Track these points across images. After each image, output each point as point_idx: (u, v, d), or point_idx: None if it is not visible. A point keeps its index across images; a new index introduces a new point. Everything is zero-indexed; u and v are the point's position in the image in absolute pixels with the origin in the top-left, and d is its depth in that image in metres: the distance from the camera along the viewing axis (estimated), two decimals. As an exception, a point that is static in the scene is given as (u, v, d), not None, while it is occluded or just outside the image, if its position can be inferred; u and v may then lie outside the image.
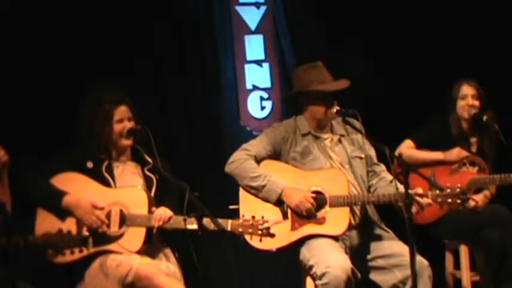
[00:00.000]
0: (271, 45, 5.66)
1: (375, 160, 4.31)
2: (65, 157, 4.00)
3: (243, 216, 3.95)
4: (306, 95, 4.23)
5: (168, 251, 4.04)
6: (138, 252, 3.86)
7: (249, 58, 5.62)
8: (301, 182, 4.12)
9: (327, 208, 4.07)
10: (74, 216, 3.89)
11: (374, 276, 4.10)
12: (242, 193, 4.16)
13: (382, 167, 4.29)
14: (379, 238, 4.17)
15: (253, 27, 5.65)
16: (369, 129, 4.16)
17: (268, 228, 3.85)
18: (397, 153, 4.71)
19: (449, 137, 4.96)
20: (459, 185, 4.03)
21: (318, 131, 4.27)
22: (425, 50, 5.71)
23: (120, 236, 3.89)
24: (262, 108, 5.63)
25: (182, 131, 5.36)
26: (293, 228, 4.09)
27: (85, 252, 3.87)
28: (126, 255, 3.83)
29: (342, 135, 4.30)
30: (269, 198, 4.09)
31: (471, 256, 4.91)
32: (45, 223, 3.89)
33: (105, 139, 4.03)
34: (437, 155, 4.91)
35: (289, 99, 4.51)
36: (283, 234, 4.03)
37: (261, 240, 3.91)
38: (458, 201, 3.99)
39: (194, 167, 5.22)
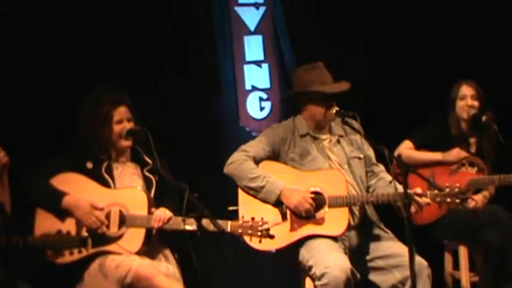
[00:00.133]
0: (271, 46, 5.66)
1: (374, 160, 4.31)
2: (65, 157, 4.01)
3: (243, 217, 3.95)
4: (305, 95, 4.23)
5: (167, 251, 4.04)
6: (138, 253, 3.86)
7: (248, 59, 5.62)
8: (300, 182, 4.12)
9: (326, 209, 4.07)
10: (74, 216, 3.89)
11: (373, 276, 4.11)
12: (241, 194, 4.17)
13: (381, 167, 4.29)
14: (378, 238, 4.18)
15: (252, 27, 5.65)
16: (368, 130, 4.16)
17: (267, 230, 3.86)
18: (396, 153, 4.73)
19: (448, 138, 4.96)
20: (458, 184, 4.04)
21: (317, 132, 4.27)
22: (425, 50, 5.71)
23: (120, 236, 3.89)
24: (262, 108, 5.63)
25: (181, 131, 5.36)
26: (292, 229, 4.09)
27: (84, 253, 3.87)
28: (126, 256, 3.83)
29: (341, 136, 4.30)
30: (268, 199, 4.09)
31: (470, 257, 4.91)
32: (45, 223, 3.90)
33: (105, 140, 4.03)
34: (436, 156, 4.91)
35: (289, 99, 4.51)
36: (282, 235, 4.03)
37: (260, 241, 3.91)
38: (457, 200, 3.99)
39: (193, 168, 5.22)
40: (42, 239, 3.80)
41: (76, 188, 3.92)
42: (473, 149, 4.99)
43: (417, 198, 3.96)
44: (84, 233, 3.88)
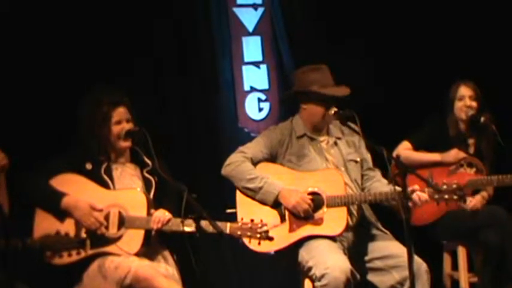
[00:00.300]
0: (269, 47, 5.66)
1: (370, 165, 4.31)
2: (65, 158, 4.00)
3: (242, 219, 3.95)
4: (305, 95, 4.23)
5: (166, 253, 4.04)
6: (137, 254, 3.86)
7: (246, 59, 5.62)
8: (297, 183, 4.12)
9: (324, 209, 4.07)
10: (73, 217, 3.88)
11: (372, 277, 4.11)
12: (239, 196, 4.17)
13: (377, 172, 4.30)
14: (376, 239, 4.18)
15: (250, 28, 5.65)
16: (366, 131, 4.15)
17: (266, 232, 3.86)
18: (394, 154, 4.71)
19: (446, 138, 4.96)
20: (455, 181, 4.04)
21: (314, 133, 4.27)
22: (423, 51, 5.71)
23: (119, 238, 3.88)
24: (260, 109, 5.63)
25: (180, 132, 5.36)
26: (291, 230, 4.09)
27: (83, 254, 3.86)
28: (125, 257, 3.82)
29: (338, 138, 4.30)
30: (266, 200, 4.09)
31: (469, 257, 4.91)
32: (44, 224, 3.89)
33: (104, 141, 4.02)
34: (434, 157, 4.91)
35: (288, 98, 4.50)
36: (281, 237, 4.03)
37: (259, 243, 3.91)
38: (455, 197, 4.00)
39: (192, 169, 5.22)
40: (40, 241, 3.81)
41: (75, 188, 3.92)
42: (471, 150, 5.00)
43: (414, 196, 3.95)
44: (83, 234, 3.88)
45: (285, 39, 5.66)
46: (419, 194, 4.00)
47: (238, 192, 4.17)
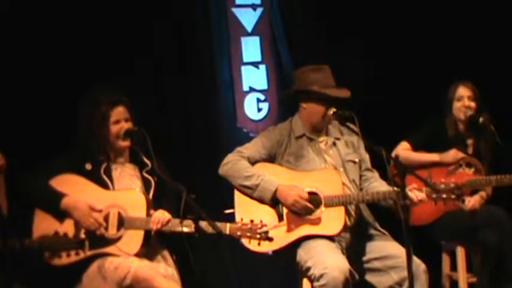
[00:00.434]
0: (268, 47, 5.67)
1: (369, 165, 4.32)
2: (64, 158, 4.00)
3: (242, 219, 3.95)
4: (305, 94, 4.23)
5: (165, 253, 4.04)
6: (137, 255, 3.86)
7: (245, 60, 5.63)
8: (295, 183, 4.12)
9: (322, 208, 4.07)
10: (72, 218, 3.88)
11: (370, 277, 4.11)
12: (237, 196, 4.16)
13: (376, 173, 4.30)
14: (375, 239, 4.18)
15: (249, 29, 5.66)
16: (365, 131, 4.16)
17: (266, 232, 3.86)
18: (393, 155, 4.71)
19: (445, 139, 4.97)
20: (453, 180, 4.05)
21: (314, 134, 4.27)
22: (422, 51, 5.72)
23: (118, 238, 3.88)
24: (259, 110, 5.64)
25: (179, 132, 5.36)
26: (289, 230, 4.09)
27: (81, 255, 3.86)
28: (124, 257, 3.82)
29: (337, 139, 4.30)
30: (263, 197, 4.09)
31: (468, 257, 4.91)
32: (43, 225, 3.89)
33: (103, 140, 4.02)
34: (433, 157, 4.92)
35: (288, 97, 4.50)
36: (279, 236, 4.03)
37: (259, 243, 3.92)
38: (453, 196, 4.00)
39: (191, 169, 5.22)
40: (39, 241, 3.81)
41: (75, 189, 3.91)
42: (470, 150, 5.00)
43: (410, 193, 3.95)
44: (82, 235, 3.88)
45: (283, 40, 5.67)
46: (416, 192, 4.00)
47: (236, 193, 4.17)
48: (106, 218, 3.90)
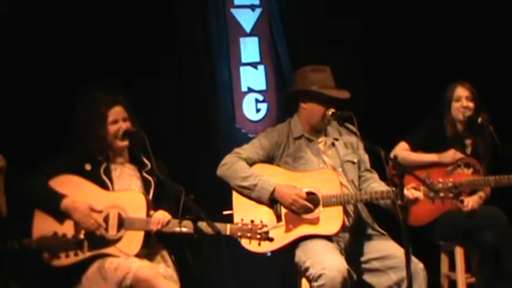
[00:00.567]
0: (267, 48, 5.67)
1: (368, 166, 4.32)
2: (64, 159, 4.00)
3: (242, 220, 3.96)
4: (305, 94, 4.23)
5: (164, 253, 4.04)
6: (137, 256, 3.86)
7: (244, 60, 5.63)
8: (293, 183, 4.12)
9: (321, 208, 4.07)
10: (72, 219, 3.88)
11: (368, 278, 4.11)
12: (235, 197, 4.17)
13: (375, 174, 4.30)
14: (373, 240, 4.18)
15: (248, 29, 5.66)
16: (364, 131, 4.16)
17: (267, 233, 3.87)
18: (392, 155, 4.72)
19: (444, 139, 4.96)
20: (451, 179, 4.05)
21: (312, 134, 4.28)
22: (420, 52, 5.72)
23: (118, 239, 3.88)
24: (258, 110, 5.64)
25: (177, 132, 5.36)
26: (287, 230, 4.09)
27: (80, 255, 3.86)
28: (125, 258, 3.82)
29: (336, 139, 4.30)
30: (261, 197, 4.09)
31: (466, 258, 4.91)
32: (43, 226, 3.89)
33: (101, 141, 4.02)
34: (432, 157, 4.92)
35: (288, 96, 4.49)
36: (278, 236, 4.03)
37: (259, 244, 3.92)
38: (451, 195, 4.01)
39: (189, 170, 5.22)
40: (37, 242, 3.80)
41: (75, 190, 3.91)
42: (468, 150, 5.00)
43: (406, 192, 3.95)
44: (82, 236, 3.88)
45: (282, 41, 5.67)
46: (413, 190, 4.00)
47: (234, 194, 4.18)
48: (106, 219, 3.90)
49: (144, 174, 4.09)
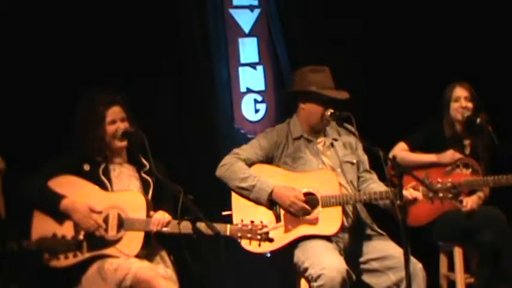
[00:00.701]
0: (265, 48, 5.66)
1: (367, 167, 4.32)
2: (62, 160, 4.00)
3: (242, 221, 3.95)
4: (304, 95, 4.23)
5: (164, 253, 4.04)
6: (137, 256, 3.85)
7: (243, 61, 5.63)
8: (291, 184, 4.13)
9: (319, 208, 4.08)
10: (72, 220, 3.88)
11: (367, 278, 4.11)
12: (234, 198, 4.17)
13: (374, 175, 4.30)
14: (372, 240, 4.18)
15: (247, 30, 5.65)
16: (362, 132, 4.16)
17: (267, 233, 3.86)
18: (391, 155, 4.73)
19: (442, 139, 4.97)
20: (450, 179, 4.05)
21: (312, 135, 4.28)
22: (419, 52, 5.72)
23: (118, 240, 3.88)
24: (257, 111, 5.64)
25: (176, 133, 5.36)
26: (286, 230, 4.10)
27: (79, 256, 3.86)
28: (124, 259, 3.82)
29: (335, 139, 4.31)
30: (260, 199, 4.09)
31: (465, 258, 4.91)
32: (42, 227, 3.88)
33: (100, 141, 4.01)
34: (430, 157, 4.92)
35: (287, 97, 4.49)
36: (277, 237, 4.03)
37: (260, 244, 3.92)
38: (450, 195, 4.01)
39: (188, 170, 5.22)
40: (37, 243, 3.80)
41: (74, 190, 3.91)
42: (467, 151, 5.00)
43: (405, 192, 3.95)
44: (81, 237, 3.87)
45: (281, 41, 5.67)
46: (411, 190, 4.00)
47: (233, 194, 4.18)
48: (106, 220, 3.90)
49: (143, 175, 4.09)
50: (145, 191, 4.03)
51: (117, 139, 4.02)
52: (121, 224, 3.89)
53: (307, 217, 4.07)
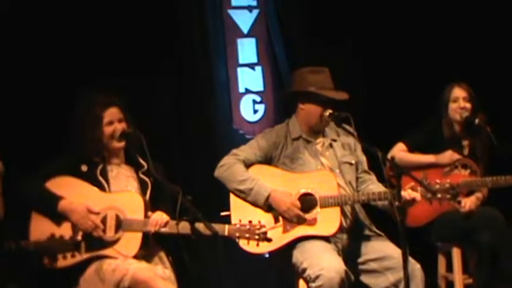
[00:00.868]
0: (264, 49, 5.67)
1: (366, 167, 4.32)
2: (60, 161, 4.00)
3: (240, 221, 3.95)
4: (303, 95, 4.23)
5: (162, 254, 4.04)
6: (135, 257, 3.85)
7: (241, 61, 5.63)
8: (290, 184, 4.13)
9: (318, 209, 4.07)
10: (70, 221, 3.88)
11: (366, 279, 4.11)
12: (233, 199, 4.17)
13: (373, 176, 4.30)
14: (371, 241, 4.18)
15: (245, 30, 5.66)
16: (361, 132, 4.16)
17: (265, 233, 3.86)
18: (389, 156, 4.74)
19: (441, 140, 4.97)
20: (448, 180, 4.05)
21: (310, 136, 4.28)
22: (418, 53, 5.73)
23: (116, 241, 3.88)
24: (255, 111, 5.64)
25: (175, 133, 5.36)
26: (285, 231, 4.10)
27: (77, 257, 3.86)
28: (122, 259, 3.82)
29: (334, 140, 4.30)
30: (257, 202, 4.09)
31: (464, 259, 4.91)
32: (40, 228, 3.88)
33: (97, 142, 4.01)
34: (429, 158, 4.92)
35: (286, 98, 4.49)
36: (275, 237, 4.02)
37: (258, 244, 3.92)
38: (448, 196, 4.01)
39: (186, 170, 5.22)
40: (35, 243, 3.80)
41: (72, 191, 3.91)
42: (466, 151, 5.00)
43: (404, 193, 3.94)
44: (79, 237, 3.87)
45: (280, 41, 5.67)
46: (410, 191, 4.00)
47: (232, 196, 4.18)
48: (104, 220, 3.89)
49: (141, 175, 4.09)
50: (143, 192, 4.03)
51: (115, 140, 4.03)
52: (119, 225, 3.89)
53: (306, 217, 4.07)
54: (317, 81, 4.20)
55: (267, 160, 4.25)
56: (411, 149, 4.96)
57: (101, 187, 3.97)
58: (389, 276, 4.03)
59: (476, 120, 4.90)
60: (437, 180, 4.05)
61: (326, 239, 4.08)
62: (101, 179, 3.98)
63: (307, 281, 4.00)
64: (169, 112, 5.36)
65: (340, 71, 4.38)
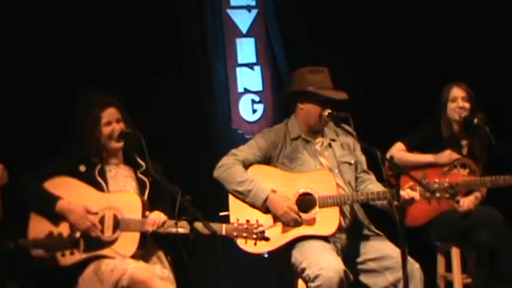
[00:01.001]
0: (263, 49, 5.66)
1: (365, 167, 4.32)
2: (58, 161, 4.01)
3: (238, 220, 3.96)
4: (303, 95, 4.23)
5: (160, 253, 4.04)
6: (133, 257, 3.86)
7: (240, 61, 5.63)
8: (289, 184, 4.14)
9: (317, 209, 4.07)
10: (68, 221, 3.88)
11: (365, 278, 4.11)
12: (232, 199, 4.17)
13: (372, 175, 4.30)
14: (370, 240, 4.18)
15: (244, 30, 5.65)
16: (360, 132, 4.16)
17: (263, 232, 3.86)
18: (388, 155, 4.74)
19: (440, 140, 4.97)
20: (447, 180, 4.06)
21: (309, 136, 4.28)
22: (416, 53, 5.73)
23: (114, 240, 3.88)
24: (254, 111, 5.63)
25: (173, 133, 5.36)
26: (284, 231, 4.10)
27: (77, 255, 3.86)
28: (121, 259, 3.82)
29: (333, 140, 4.30)
30: (255, 204, 4.10)
31: (463, 258, 4.91)
32: (38, 228, 3.88)
33: (96, 142, 4.02)
34: (428, 158, 4.92)
35: (286, 98, 4.49)
36: (274, 237, 4.03)
37: (255, 244, 3.92)
38: (447, 195, 4.01)
39: (185, 170, 5.22)
40: (33, 241, 3.80)
41: (70, 192, 3.92)
42: (465, 151, 5.00)
43: (403, 192, 3.94)
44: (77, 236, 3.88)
45: (279, 41, 5.67)
46: (408, 190, 4.00)
47: (230, 196, 4.17)
48: (101, 221, 3.90)
49: (139, 175, 4.09)
50: (141, 192, 4.03)
51: (113, 140, 4.03)
52: (117, 225, 3.89)
53: (305, 217, 4.07)
54: (316, 81, 4.20)
55: (266, 160, 4.25)
56: (410, 149, 4.96)
57: (99, 187, 3.98)
58: (388, 276, 4.03)
59: (475, 120, 4.90)
60: (436, 180, 4.05)
61: (325, 238, 4.08)
62: (99, 179, 3.99)
63: (306, 281, 4.00)
64: (169, 112, 5.36)
65: (340, 71, 4.38)
